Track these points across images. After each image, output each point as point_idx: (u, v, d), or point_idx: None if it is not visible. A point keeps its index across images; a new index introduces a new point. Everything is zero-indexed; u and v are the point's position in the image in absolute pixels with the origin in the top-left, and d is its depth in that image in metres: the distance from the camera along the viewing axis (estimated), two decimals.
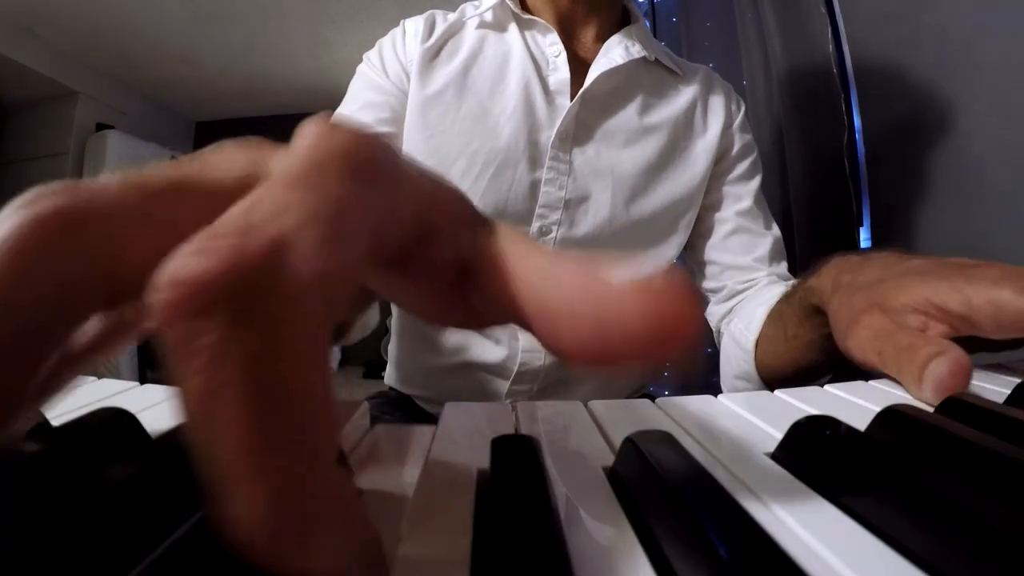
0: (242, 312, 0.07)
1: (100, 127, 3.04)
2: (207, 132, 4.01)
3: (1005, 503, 0.12)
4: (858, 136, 0.90)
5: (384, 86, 0.55)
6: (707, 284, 0.58)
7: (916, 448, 0.16)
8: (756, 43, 1.00)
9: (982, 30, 0.67)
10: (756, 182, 0.59)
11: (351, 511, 0.08)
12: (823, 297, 0.33)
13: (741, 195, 0.58)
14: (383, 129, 0.53)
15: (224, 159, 0.11)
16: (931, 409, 0.20)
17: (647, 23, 1.41)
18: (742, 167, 0.59)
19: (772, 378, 0.44)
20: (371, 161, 0.10)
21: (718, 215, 0.58)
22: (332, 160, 0.09)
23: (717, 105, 0.59)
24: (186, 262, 0.07)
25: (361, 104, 0.55)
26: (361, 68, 0.57)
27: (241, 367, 0.07)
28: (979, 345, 0.26)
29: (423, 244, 0.12)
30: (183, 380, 0.07)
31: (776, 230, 0.58)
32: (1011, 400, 0.20)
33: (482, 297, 0.12)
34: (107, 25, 2.59)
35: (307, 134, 0.10)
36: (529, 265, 0.11)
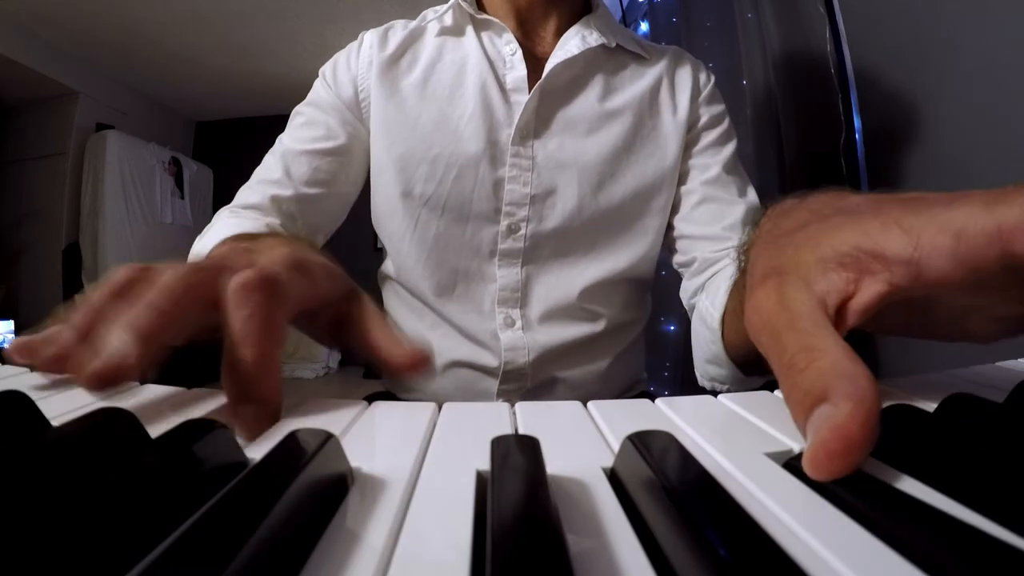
0: (263, 291, 0.21)
1: (100, 127, 3.04)
2: (207, 132, 4.01)
3: (1005, 503, 0.12)
4: (857, 136, 0.90)
5: (329, 102, 0.56)
6: (677, 259, 0.57)
7: (918, 448, 0.16)
8: (756, 43, 1.00)
9: (981, 30, 0.67)
10: (728, 151, 0.57)
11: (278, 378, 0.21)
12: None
13: (709, 165, 0.56)
14: (316, 146, 0.55)
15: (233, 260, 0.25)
16: (930, 409, 0.20)
17: (647, 23, 1.41)
18: (710, 136, 0.57)
19: (743, 361, 0.38)
20: (307, 265, 0.25)
21: (685, 187, 0.56)
22: (291, 261, 0.25)
23: (684, 81, 0.58)
24: (245, 274, 0.21)
25: (304, 120, 0.57)
26: (315, 83, 0.58)
27: (263, 309, 0.21)
28: (926, 323, 0.20)
29: (322, 307, 0.27)
30: (237, 313, 0.20)
31: (752, 197, 0.55)
32: (1011, 400, 0.20)
33: (346, 337, 0.27)
34: (107, 25, 2.59)
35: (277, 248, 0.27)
36: (370, 327, 0.27)
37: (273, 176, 0.54)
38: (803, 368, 0.16)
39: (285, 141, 0.56)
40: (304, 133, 0.55)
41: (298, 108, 0.58)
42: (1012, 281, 0.16)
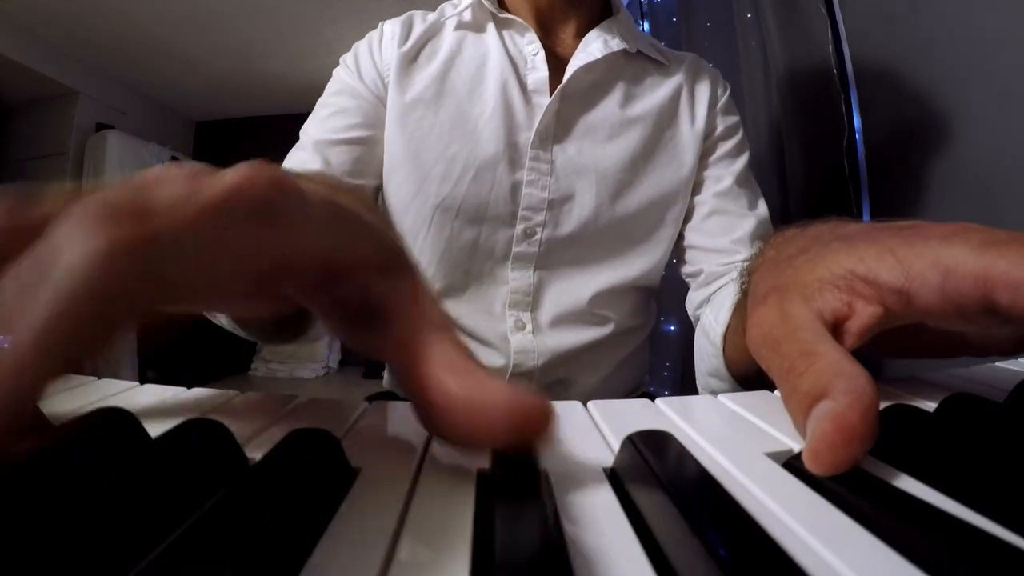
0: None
1: (100, 127, 3.03)
2: (207, 132, 4.01)
3: (1005, 503, 0.12)
4: (858, 136, 0.89)
5: (358, 90, 0.54)
6: (685, 269, 0.57)
7: (917, 448, 0.16)
8: (756, 43, 1.00)
9: (982, 30, 0.67)
10: (740, 163, 0.57)
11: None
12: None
13: (721, 176, 0.56)
14: (353, 135, 0.53)
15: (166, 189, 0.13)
16: (931, 407, 0.20)
17: (646, 22, 1.41)
18: (725, 147, 0.57)
19: (743, 378, 0.39)
20: (269, 210, 0.13)
21: (697, 198, 0.56)
22: (232, 203, 0.12)
23: (702, 91, 0.58)
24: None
25: (334, 109, 0.54)
26: (337, 71, 0.57)
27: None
28: (922, 346, 0.21)
29: (328, 283, 0.14)
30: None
31: (762, 211, 0.55)
32: (1011, 400, 0.20)
33: (376, 339, 0.15)
34: (107, 25, 2.59)
35: (232, 173, 0.13)
36: (432, 351, 0.14)
37: (313, 168, 0.51)
38: (803, 371, 0.17)
39: (314, 134, 0.53)
40: (337, 122, 0.53)
41: (323, 100, 0.56)
42: (994, 321, 0.16)
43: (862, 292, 0.18)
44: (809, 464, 0.14)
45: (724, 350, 0.40)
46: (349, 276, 0.15)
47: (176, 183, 0.12)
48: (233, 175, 0.12)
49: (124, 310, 0.11)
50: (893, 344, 0.21)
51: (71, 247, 0.10)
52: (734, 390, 0.40)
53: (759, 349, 0.20)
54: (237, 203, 0.12)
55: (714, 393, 0.43)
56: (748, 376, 0.39)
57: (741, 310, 0.37)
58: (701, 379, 0.46)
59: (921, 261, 0.17)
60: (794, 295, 0.20)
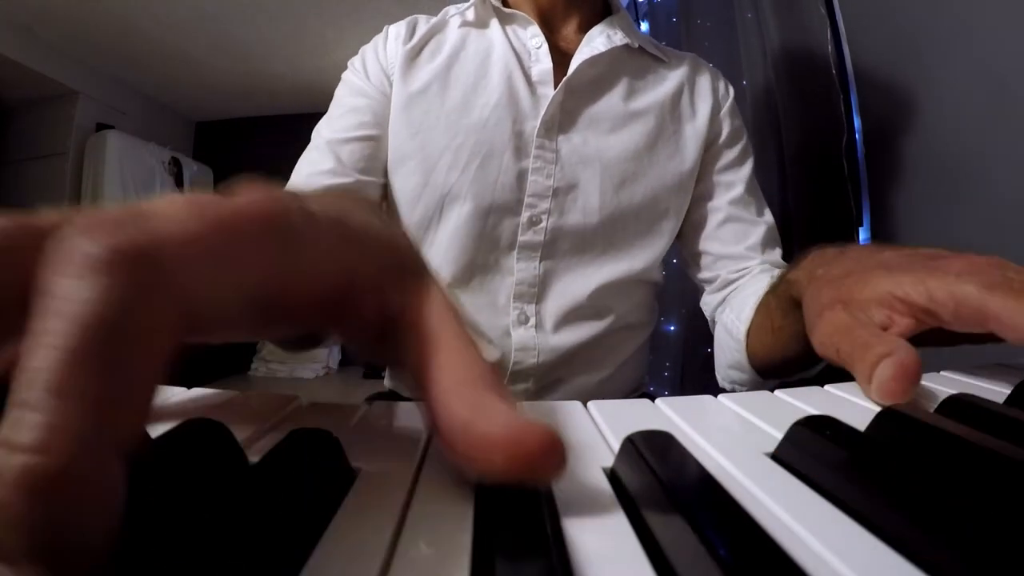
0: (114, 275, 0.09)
1: (100, 127, 3.04)
2: (207, 132, 4.01)
3: (1003, 502, 0.12)
4: (858, 136, 0.90)
5: (366, 90, 0.55)
6: (701, 274, 0.58)
7: (915, 448, 0.16)
8: (756, 43, 1.00)
9: (982, 30, 0.67)
10: (747, 168, 0.59)
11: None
12: (800, 290, 0.34)
13: (733, 183, 0.58)
14: (363, 132, 0.54)
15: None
16: (930, 409, 0.20)
17: (645, 23, 1.41)
18: (732, 153, 0.59)
19: (764, 368, 0.45)
20: (277, 232, 0.12)
21: (710, 204, 0.58)
22: (240, 222, 0.12)
23: (704, 88, 0.59)
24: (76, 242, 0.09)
25: (345, 109, 0.55)
26: (345, 75, 0.58)
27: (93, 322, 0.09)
28: (946, 337, 0.26)
29: (345, 302, 0.14)
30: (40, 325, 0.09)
31: (769, 217, 0.58)
32: (1011, 400, 0.20)
33: (390, 351, 0.15)
34: (107, 25, 2.59)
35: (239, 196, 0.13)
36: (441, 367, 0.13)
37: (326, 166, 0.52)
38: (872, 346, 0.22)
39: (326, 134, 0.54)
40: (348, 121, 0.55)
41: (334, 102, 0.57)
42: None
43: (898, 309, 0.25)
44: (878, 396, 0.21)
45: (747, 345, 0.45)
46: (365, 292, 0.15)
47: (181, 203, 0.11)
48: (241, 198, 0.12)
49: (149, 332, 0.09)
50: (932, 338, 0.27)
51: (73, 262, 0.09)
52: (753, 381, 0.46)
53: (832, 338, 0.26)
54: (245, 222, 0.12)
55: (734, 384, 0.49)
56: (767, 366, 0.44)
57: (766, 308, 0.43)
58: (721, 371, 0.51)
59: (942, 291, 0.23)
60: (854, 308, 0.26)
